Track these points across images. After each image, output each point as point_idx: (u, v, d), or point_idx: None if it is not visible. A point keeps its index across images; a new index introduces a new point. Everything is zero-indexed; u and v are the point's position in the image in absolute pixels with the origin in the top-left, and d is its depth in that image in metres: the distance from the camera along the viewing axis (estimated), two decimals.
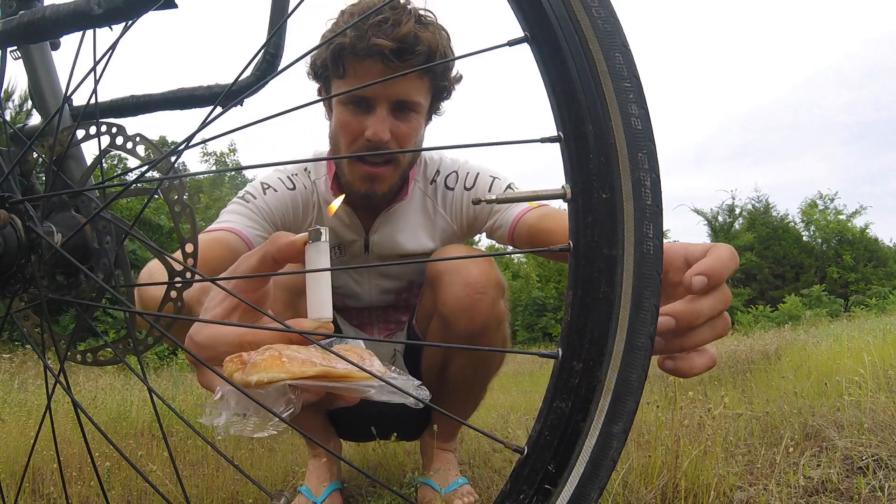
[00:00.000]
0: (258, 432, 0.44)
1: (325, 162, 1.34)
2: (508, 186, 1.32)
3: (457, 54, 1.24)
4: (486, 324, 1.20)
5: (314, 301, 0.50)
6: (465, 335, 1.20)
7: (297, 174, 1.32)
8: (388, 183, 1.25)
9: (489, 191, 1.31)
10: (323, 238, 0.49)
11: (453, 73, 1.27)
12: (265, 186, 1.26)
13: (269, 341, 0.48)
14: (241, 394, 0.44)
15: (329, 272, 0.50)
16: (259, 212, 1.23)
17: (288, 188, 1.28)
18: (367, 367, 0.47)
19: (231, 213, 1.21)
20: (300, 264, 0.50)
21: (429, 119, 1.29)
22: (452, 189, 1.35)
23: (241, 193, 1.27)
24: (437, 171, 1.37)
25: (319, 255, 0.49)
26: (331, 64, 1.17)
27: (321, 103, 1.28)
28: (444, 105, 1.31)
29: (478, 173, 1.34)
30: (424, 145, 1.31)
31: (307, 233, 0.49)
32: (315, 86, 1.29)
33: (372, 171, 1.22)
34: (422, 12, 1.14)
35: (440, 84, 1.23)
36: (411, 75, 1.15)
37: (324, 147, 1.35)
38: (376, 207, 1.32)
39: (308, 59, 1.23)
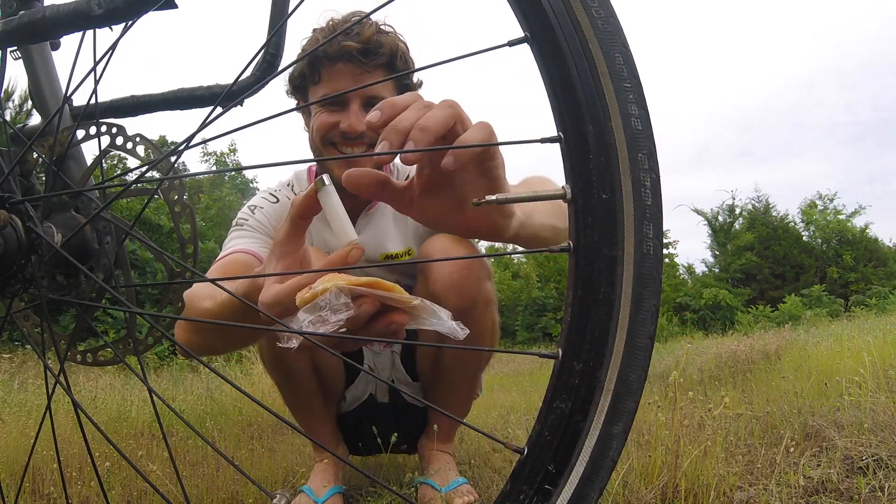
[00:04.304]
0: (322, 327, 0.51)
1: (306, 175, 1.52)
2: None
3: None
4: (474, 299, 1.29)
5: (338, 229, 0.57)
6: (455, 311, 1.24)
7: (279, 189, 1.49)
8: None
9: None
10: (327, 182, 0.57)
11: (415, 80, 1.47)
12: (253, 208, 1.44)
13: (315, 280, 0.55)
14: (309, 310, 0.52)
15: (340, 202, 0.57)
16: (256, 228, 1.40)
17: (272, 203, 1.46)
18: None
19: (234, 239, 1.38)
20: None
21: None
22: None
23: (235, 221, 1.44)
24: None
25: (330, 197, 0.57)
26: (308, 72, 1.35)
27: (299, 115, 1.45)
28: None
29: None
30: None
31: (314, 183, 0.57)
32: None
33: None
34: (382, 25, 1.34)
35: (403, 83, 1.41)
36: (378, 74, 1.32)
37: (302, 166, 1.52)
38: (356, 207, 1.43)
39: (285, 74, 1.41)
